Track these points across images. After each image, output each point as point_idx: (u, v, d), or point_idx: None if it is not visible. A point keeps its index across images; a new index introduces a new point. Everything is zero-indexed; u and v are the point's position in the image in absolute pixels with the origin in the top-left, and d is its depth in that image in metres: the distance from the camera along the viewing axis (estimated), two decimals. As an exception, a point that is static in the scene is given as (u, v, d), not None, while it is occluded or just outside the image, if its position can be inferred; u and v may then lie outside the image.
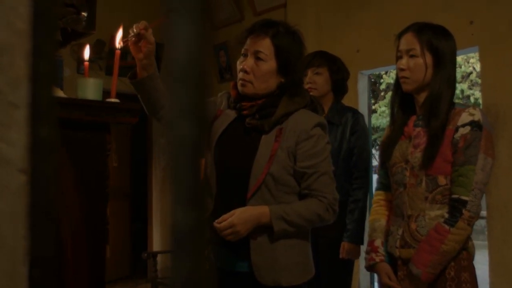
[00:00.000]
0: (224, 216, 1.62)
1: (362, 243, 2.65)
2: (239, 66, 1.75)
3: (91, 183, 1.72)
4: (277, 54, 1.71)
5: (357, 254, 2.64)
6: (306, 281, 1.72)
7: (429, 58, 1.78)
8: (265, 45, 1.70)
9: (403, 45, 1.83)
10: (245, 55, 1.74)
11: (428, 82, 1.79)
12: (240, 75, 1.74)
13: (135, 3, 5.83)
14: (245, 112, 1.75)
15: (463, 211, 1.68)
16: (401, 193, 1.84)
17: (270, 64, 1.71)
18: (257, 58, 1.71)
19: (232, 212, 1.62)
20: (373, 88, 12.42)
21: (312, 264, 1.77)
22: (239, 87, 1.75)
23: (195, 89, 0.33)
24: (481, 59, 3.44)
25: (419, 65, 1.79)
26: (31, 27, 0.43)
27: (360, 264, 4.08)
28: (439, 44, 1.78)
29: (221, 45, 5.44)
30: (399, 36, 1.86)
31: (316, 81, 2.64)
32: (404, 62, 1.82)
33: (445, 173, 1.74)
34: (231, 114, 1.81)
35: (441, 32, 1.82)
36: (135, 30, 1.67)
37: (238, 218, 1.60)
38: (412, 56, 1.80)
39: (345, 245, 2.58)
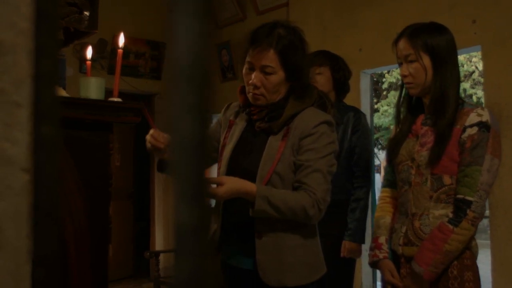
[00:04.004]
0: (211, 180, 1.59)
1: (364, 242, 2.66)
2: (246, 78, 1.74)
3: (94, 182, 1.72)
4: (284, 63, 1.69)
5: (359, 253, 2.64)
6: (315, 281, 1.71)
7: (426, 60, 1.78)
8: (270, 58, 1.68)
9: (400, 51, 1.84)
10: (251, 69, 1.72)
11: (430, 83, 1.79)
12: (250, 88, 1.73)
13: (137, 2, 5.83)
14: (255, 117, 1.76)
15: (468, 211, 1.68)
16: (406, 191, 1.84)
17: (279, 75, 1.70)
18: (265, 73, 1.70)
19: (222, 180, 1.59)
20: (375, 87, 12.41)
21: (322, 263, 1.76)
22: (251, 100, 1.75)
23: (198, 87, 0.33)
24: (484, 58, 3.43)
25: (418, 69, 1.79)
26: (34, 27, 0.43)
27: (363, 263, 4.08)
28: (434, 42, 1.78)
29: (224, 44, 5.44)
30: (395, 42, 1.87)
31: (318, 80, 2.64)
32: (404, 68, 1.83)
33: (451, 172, 1.74)
34: (242, 123, 1.83)
35: (435, 30, 1.81)
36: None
37: (225, 191, 1.56)
38: (410, 61, 1.80)
39: (346, 244, 2.58)
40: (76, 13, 1.95)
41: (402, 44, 1.83)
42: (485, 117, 1.72)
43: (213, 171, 1.91)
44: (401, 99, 1.94)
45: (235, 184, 1.59)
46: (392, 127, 2.02)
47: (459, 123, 1.74)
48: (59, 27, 1.79)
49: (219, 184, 1.57)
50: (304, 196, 1.63)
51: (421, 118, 1.87)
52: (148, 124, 1.83)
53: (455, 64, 1.82)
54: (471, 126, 1.71)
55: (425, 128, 1.82)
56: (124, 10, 5.67)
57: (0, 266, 0.47)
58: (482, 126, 1.70)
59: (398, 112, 1.95)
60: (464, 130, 1.72)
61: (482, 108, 1.76)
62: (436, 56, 1.77)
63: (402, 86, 1.92)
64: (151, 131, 1.74)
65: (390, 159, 1.94)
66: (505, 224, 3.19)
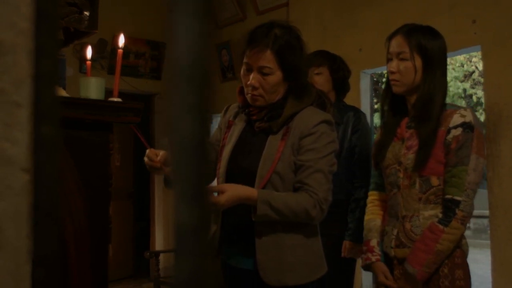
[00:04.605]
0: (212, 189, 1.60)
1: (364, 242, 2.66)
2: (244, 79, 1.75)
3: (94, 182, 1.72)
4: (281, 63, 1.69)
5: (359, 253, 2.63)
6: (316, 280, 1.71)
7: (418, 61, 1.80)
8: (268, 58, 1.68)
9: (393, 48, 1.84)
10: (249, 70, 1.72)
11: (418, 84, 1.81)
12: (249, 90, 1.73)
13: (137, 2, 5.83)
14: (254, 117, 1.76)
15: (457, 211, 1.71)
16: (395, 194, 1.86)
17: (276, 75, 1.70)
18: (263, 73, 1.70)
19: (223, 188, 1.59)
20: (375, 87, 12.40)
21: (323, 262, 1.76)
22: (250, 101, 1.75)
23: (198, 87, 0.33)
24: (484, 58, 3.43)
25: (409, 68, 1.80)
26: (34, 27, 0.43)
27: (363, 263, 4.08)
28: (428, 45, 1.79)
29: (224, 44, 5.44)
30: (389, 38, 1.87)
31: (317, 81, 2.64)
32: (394, 65, 1.83)
33: (438, 174, 1.76)
34: (241, 123, 1.83)
35: (430, 33, 1.83)
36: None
37: (227, 199, 1.57)
38: (402, 59, 1.81)
39: (346, 244, 2.58)
40: (76, 13, 1.95)
41: (396, 40, 1.84)
42: (468, 117, 1.74)
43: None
44: (385, 98, 1.95)
45: (236, 191, 1.59)
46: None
47: (443, 125, 1.76)
48: (59, 27, 1.79)
49: (219, 192, 1.57)
50: (306, 197, 1.63)
51: (405, 120, 1.88)
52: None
53: (444, 70, 1.84)
54: (455, 127, 1.74)
55: (410, 131, 1.84)
56: (124, 10, 5.67)
57: (0, 266, 0.47)
58: (466, 126, 1.73)
59: (382, 112, 1.97)
60: (448, 132, 1.75)
61: (465, 109, 1.78)
62: (428, 58, 1.79)
63: (387, 85, 1.91)
64: (147, 152, 1.74)
65: (377, 162, 1.95)
66: (505, 224, 3.19)
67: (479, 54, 4.81)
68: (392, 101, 1.92)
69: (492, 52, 3.32)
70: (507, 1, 3.24)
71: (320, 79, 2.65)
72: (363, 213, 2.62)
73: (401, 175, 1.83)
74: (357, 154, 2.64)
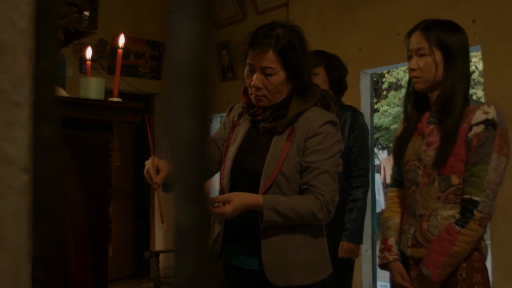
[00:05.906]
0: (218, 199, 1.61)
1: (362, 242, 2.65)
2: (247, 80, 1.75)
3: (94, 182, 1.72)
4: (284, 64, 1.69)
5: (356, 253, 2.63)
6: (320, 280, 1.71)
7: (438, 56, 1.75)
8: (270, 59, 1.68)
9: (412, 45, 1.80)
10: (252, 71, 1.72)
11: (440, 79, 1.76)
12: (252, 90, 1.73)
13: (137, 2, 5.83)
14: (259, 117, 1.76)
15: (474, 212, 1.64)
16: (414, 191, 1.81)
17: (280, 75, 1.70)
18: (266, 74, 1.69)
19: (228, 198, 1.59)
20: (375, 87, 12.40)
21: (328, 262, 1.76)
22: (254, 102, 1.75)
23: (198, 87, 0.33)
24: (484, 58, 3.43)
25: (429, 64, 1.76)
26: (34, 26, 0.43)
27: (362, 263, 4.08)
28: (448, 40, 1.74)
29: (223, 44, 5.44)
30: (408, 35, 1.83)
31: (314, 81, 2.63)
32: (414, 62, 1.79)
33: (458, 172, 1.71)
34: (245, 124, 1.83)
35: (450, 28, 1.78)
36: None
37: (233, 209, 1.58)
38: (421, 55, 1.77)
39: (344, 245, 2.57)
40: (76, 13, 1.95)
41: (415, 37, 1.79)
42: (491, 114, 1.69)
43: (216, 176, 1.90)
44: (408, 94, 1.90)
45: (241, 200, 1.59)
46: (392, 127, 1.99)
47: (465, 121, 1.70)
48: (59, 27, 1.78)
49: (225, 202, 1.57)
50: (312, 199, 1.63)
51: (426, 115, 1.83)
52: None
53: (467, 64, 1.78)
54: (477, 124, 1.68)
55: (431, 126, 1.79)
56: (124, 10, 5.67)
57: (0, 266, 0.47)
58: (488, 124, 1.67)
59: (405, 108, 1.91)
60: (470, 129, 1.69)
61: (488, 105, 1.72)
62: (448, 53, 1.74)
63: (409, 81, 1.88)
64: (148, 166, 1.72)
65: (397, 158, 1.91)
66: (505, 224, 3.19)
67: (479, 54, 4.81)
68: (415, 98, 1.87)
69: (492, 52, 3.32)
70: (507, 1, 3.24)
71: (317, 79, 2.63)
72: (360, 213, 2.62)
73: (420, 172, 1.77)
74: (354, 154, 2.64)
